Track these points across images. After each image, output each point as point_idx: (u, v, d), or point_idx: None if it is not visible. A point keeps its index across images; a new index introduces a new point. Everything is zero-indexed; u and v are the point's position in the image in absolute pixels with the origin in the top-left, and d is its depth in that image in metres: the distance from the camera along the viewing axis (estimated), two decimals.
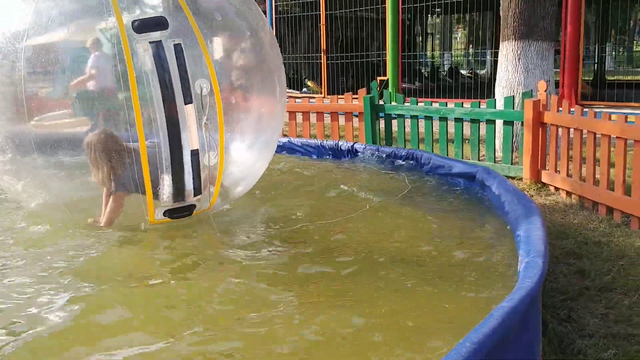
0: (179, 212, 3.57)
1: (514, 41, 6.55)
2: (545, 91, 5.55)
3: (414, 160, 5.25)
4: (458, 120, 6.26)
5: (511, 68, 6.61)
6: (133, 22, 3.24)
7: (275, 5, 14.70)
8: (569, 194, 5.20)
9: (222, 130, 3.42)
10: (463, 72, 20.14)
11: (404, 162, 5.35)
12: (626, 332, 2.92)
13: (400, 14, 12.75)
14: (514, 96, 5.92)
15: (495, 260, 3.16)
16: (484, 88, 16.75)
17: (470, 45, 26.00)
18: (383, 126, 7.09)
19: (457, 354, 1.71)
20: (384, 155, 5.53)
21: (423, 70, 19.68)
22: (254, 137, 3.77)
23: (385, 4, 12.80)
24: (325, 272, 3.15)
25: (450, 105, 6.42)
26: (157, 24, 3.27)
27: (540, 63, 6.51)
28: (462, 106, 6.33)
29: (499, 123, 6.18)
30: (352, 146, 5.89)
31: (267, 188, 4.63)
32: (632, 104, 10.91)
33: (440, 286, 2.92)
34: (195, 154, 3.39)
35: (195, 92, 3.30)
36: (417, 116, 6.65)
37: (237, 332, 2.51)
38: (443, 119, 6.38)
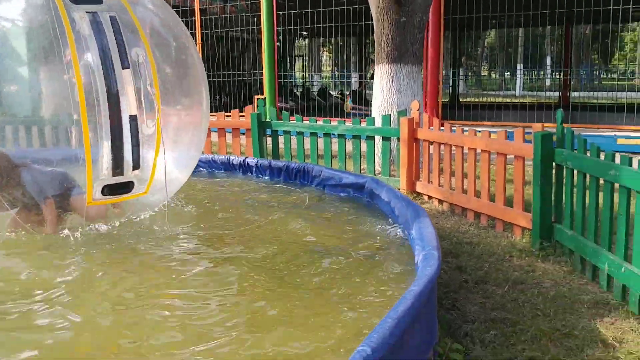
0: (119, 188, 3.58)
1: (387, 64, 7.14)
2: (417, 110, 6.14)
3: (306, 173, 5.58)
4: (341, 136, 6.71)
5: (386, 89, 7.19)
6: None
7: None
8: (441, 201, 5.79)
9: (159, 102, 3.51)
10: (332, 92, 21.00)
11: (295, 176, 5.67)
12: (502, 316, 3.41)
13: (276, 35, 13.16)
14: (390, 115, 6.47)
15: (393, 253, 3.55)
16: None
17: (336, 68, 27.11)
18: (270, 142, 7.39)
19: (383, 329, 2.01)
20: (277, 169, 5.81)
21: (295, 90, 20.28)
22: (188, 124, 3.88)
23: (260, 25, 13.16)
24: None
25: (334, 122, 6.86)
26: None
27: (411, 85, 7.15)
28: (345, 124, 6.79)
29: (378, 139, 6.70)
30: (244, 160, 6.11)
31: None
32: (485, 122, 12.12)
33: (347, 281, 3.25)
34: (134, 119, 3.44)
35: (132, 60, 3.38)
36: (302, 133, 7.02)
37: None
38: (327, 135, 6.80)
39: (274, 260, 3.60)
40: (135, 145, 3.52)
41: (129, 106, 3.44)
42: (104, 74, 3.35)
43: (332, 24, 13.23)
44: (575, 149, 4.14)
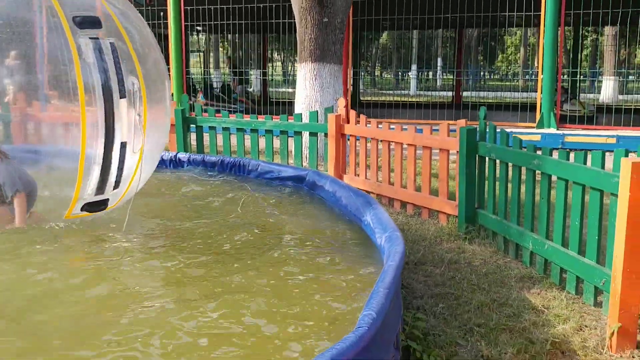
0: (96, 205, 3.63)
1: (310, 63, 7.43)
2: (344, 107, 6.47)
3: (241, 167, 5.74)
4: (268, 132, 6.91)
5: (309, 86, 7.48)
6: (74, 17, 3.34)
7: None
8: (367, 193, 6.15)
9: (145, 127, 3.60)
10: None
11: (230, 170, 5.81)
12: (445, 291, 3.79)
13: (184, 31, 13.08)
14: (317, 111, 6.75)
15: (348, 238, 3.84)
16: (255, 105, 17.77)
17: (237, 65, 27.08)
18: (194, 139, 7.44)
19: (378, 296, 2.29)
20: (210, 164, 5.92)
21: (197, 87, 20.10)
22: (155, 137, 3.96)
23: (167, 19, 13.01)
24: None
25: (261, 118, 7.04)
26: (94, 22, 3.45)
27: (333, 83, 7.49)
28: (272, 120, 6.99)
29: (305, 135, 6.97)
30: (176, 156, 6.16)
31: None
32: (389, 120, 12.72)
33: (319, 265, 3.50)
34: (124, 146, 3.52)
35: (128, 89, 3.43)
36: (228, 128, 7.15)
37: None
38: (254, 131, 6.98)
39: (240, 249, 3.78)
40: (120, 169, 3.65)
41: (121, 134, 3.56)
42: (104, 105, 3.45)
43: (233, 21, 13.32)
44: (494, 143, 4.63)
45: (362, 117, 6.18)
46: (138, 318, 2.71)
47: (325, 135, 6.54)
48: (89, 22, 3.48)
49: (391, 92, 28.26)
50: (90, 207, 3.71)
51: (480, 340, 3.14)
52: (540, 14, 10.59)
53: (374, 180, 6.05)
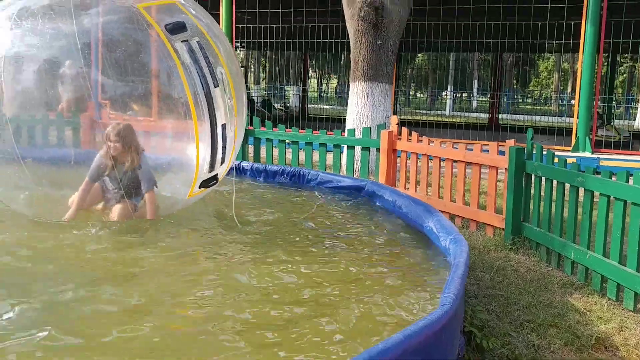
0: (210, 181, 4.28)
1: (363, 82, 7.95)
2: (396, 124, 6.95)
3: (301, 176, 6.24)
4: (322, 145, 7.42)
5: (361, 104, 7.98)
6: (166, 25, 3.94)
7: None
8: None
9: (235, 108, 4.26)
10: (275, 104, 21.68)
11: (290, 179, 6.31)
12: (495, 293, 4.23)
13: (233, 46, 13.74)
14: (370, 127, 7.25)
15: (411, 240, 4.33)
16: (294, 120, 18.33)
17: (277, 81, 27.82)
18: (251, 151, 8.00)
19: (454, 283, 2.75)
20: (272, 173, 6.44)
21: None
22: (240, 120, 4.59)
23: None
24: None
25: (315, 132, 7.56)
26: (181, 27, 4.04)
27: (384, 101, 7.99)
28: (326, 134, 7.50)
29: (358, 149, 7.47)
30: (240, 164, 6.70)
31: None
32: (438, 139, 13.09)
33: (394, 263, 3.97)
34: (224, 127, 4.10)
35: (219, 78, 4.02)
36: (284, 141, 7.68)
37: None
38: (309, 144, 7.50)
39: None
40: (224, 147, 4.22)
41: (221, 117, 4.13)
42: (205, 95, 4.04)
43: (277, 40, 13.94)
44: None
45: (414, 135, 6.65)
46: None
47: (377, 150, 7.03)
48: (178, 28, 4.05)
49: (425, 111, 28.71)
50: (206, 183, 4.34)
51: (531, 333, 3.57)
52: (577, 41, 10.97)
53: (424, 194, 6.49)
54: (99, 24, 4.01)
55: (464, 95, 32.75)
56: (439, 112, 28.89)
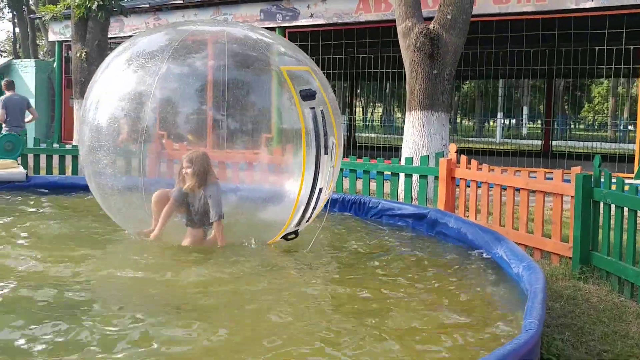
0: (291, 234, 4.57)
1: (419, 111, 8.00)
2: (455, 152, 6.95)
3: (361, 204, 6.29)
4: (379, 174, 7.47)
5: (417, 133, 8.02)
6: (300, 91, 4.33)
7: None
8: None
9: (336, 173, 4.69)
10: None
11: (350, 208, 6.37)
12: (567, 322, 4.15)
13: None
14: (427, 155, 7.27)
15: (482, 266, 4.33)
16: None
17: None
18: None
19: (535, 308, 2.73)
20: (332, 201, 6.49)
21: None
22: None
23: None
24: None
25: (373, 161, 7.63)
26: (312, 95, 4.40)
27: (441, 129, 8.01)
28: (383, 162, 7.56)
29: (416, 177, 7.49)
30: None
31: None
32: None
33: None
34: (320, 191, 4.31)
35: (329, 146, 4.23)
36: (342, 169, 7.76)
37: None
38: (366, 172, 7.56)
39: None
40: (314, 208, 4.72)
41: (321, 181, 4.54)
42: (315, 161, 4.43)
43: (332, 71, 14.13)
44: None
45: (474, 162, 6.63)
46: None
47: (435, 178, 7.03)
48: (309, 95, 4.42)
49: (474, 139, 28.47)
50: (286, 235, 4.67)
51: None
52: (630, 66, 10.80)
53: (484, 222, 6.44)
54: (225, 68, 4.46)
55: (513, 122, 32.38)
56: (489, 139, 28.59)
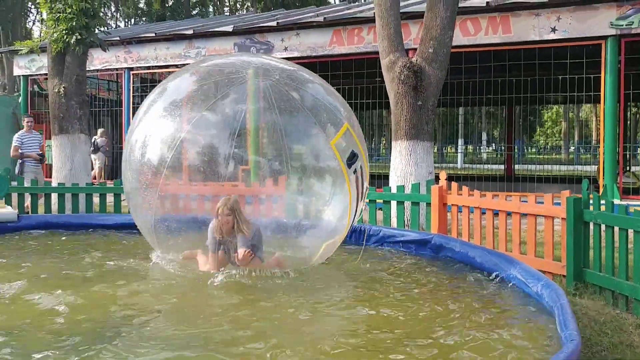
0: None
1: (405, 141, 8.37)
2: (445, 179, 7.32)
3: (362, 232, 6.55)
4: (371, 202, 7.77)
5: (404, 161, 8.39)
6: (347, 160, 4.87)
7: None
8: None
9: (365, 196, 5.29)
10: None
11: (350, 236, 6.62)
12: None
13: None
14: (418, 183, 7.61)
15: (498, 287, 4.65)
16: None
17: None
18: None
19: (570, 323, 3.04)
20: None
21: None
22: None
23: None
24: None
25: None
26: (354, 156, 4.93)
27: (426, 158, 8.39)
28: (375, 191, 7.87)
29: (407, 205, 7.82)
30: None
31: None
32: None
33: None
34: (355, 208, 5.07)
35: (363, 193, 4.98)
36: None
37: None
38: None
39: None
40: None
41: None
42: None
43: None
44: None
45: (465, 188, 7.01)
46: None
47: (427, 205, 7.37)
48: (352, 158, 4.93)
49: (437, 165, 29.27)
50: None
51: None
52: (592, 93, 11.49)
53: (477, 244, 6.78)
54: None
55: (473, 148, 33.44)
56: (450, 164, 29.42)
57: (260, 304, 4.37)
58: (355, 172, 4.93)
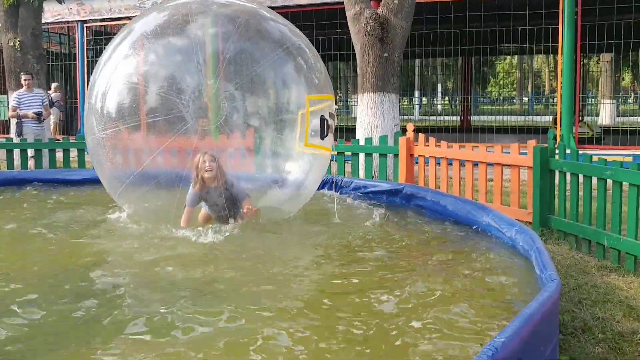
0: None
1: (372, 93, 8.41)
2: (412, 131, 7.43)
3: (335, 183, 6.64)
4: (340, 154, 7.84)
5: (371, 114, 8.44)
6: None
7: None
8: None
9: None
10: None
11: (323, 186, 6.69)
12: None
13: None
14: (387, 135, 7.70)
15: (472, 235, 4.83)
16: None
17: None
18: None
19: (549, 264, 3.20)
20: None
21: None
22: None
23: None
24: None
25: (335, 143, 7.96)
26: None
27: (392, 110, 8.46)
28: (344, 143, 7.92)
29: (375, 156, 7.92)
30: None
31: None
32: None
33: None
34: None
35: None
36: None
37: None
38: None
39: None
40: None
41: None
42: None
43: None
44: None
45: (432, 140, 7.13)
46: None
47: (395, 156, 7.48)
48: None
49: None
50: None
51: (590, 308, 4.06)
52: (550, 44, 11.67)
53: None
54: None
55: (425, 99, 33.78)
56: (406, 116, 29.66)
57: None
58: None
